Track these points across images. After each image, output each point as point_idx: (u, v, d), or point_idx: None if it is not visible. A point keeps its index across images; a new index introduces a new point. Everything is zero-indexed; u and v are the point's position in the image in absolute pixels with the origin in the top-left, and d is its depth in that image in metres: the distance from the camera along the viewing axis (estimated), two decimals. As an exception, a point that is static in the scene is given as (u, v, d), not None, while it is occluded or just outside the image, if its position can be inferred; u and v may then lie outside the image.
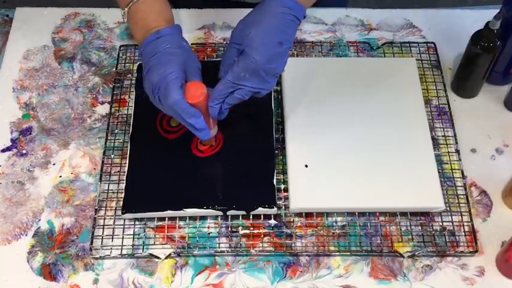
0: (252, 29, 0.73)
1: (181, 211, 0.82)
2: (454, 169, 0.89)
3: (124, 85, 0.97)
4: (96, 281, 0.81)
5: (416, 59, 0.98)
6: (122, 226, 0.84)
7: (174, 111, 0.75)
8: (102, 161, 0.89)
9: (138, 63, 0.97)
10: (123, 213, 0.83)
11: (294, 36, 0.76)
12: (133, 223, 0.85)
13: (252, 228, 0.84)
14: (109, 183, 0.87)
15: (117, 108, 0.95)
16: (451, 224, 0.84)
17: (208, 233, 0.84)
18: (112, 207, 0.86)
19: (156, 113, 0.89)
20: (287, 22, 0.74)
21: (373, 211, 0.85)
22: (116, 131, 0.92)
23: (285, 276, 0.81)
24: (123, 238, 0.83)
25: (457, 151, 0.90)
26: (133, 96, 0.94)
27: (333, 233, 0.84)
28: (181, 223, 0.84)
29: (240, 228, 0.84)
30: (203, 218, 0.85)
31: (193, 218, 0.85)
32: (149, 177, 0.85)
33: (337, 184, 0.84)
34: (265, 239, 0.83)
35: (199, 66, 0.79)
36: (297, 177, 0.85)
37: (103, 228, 0.84)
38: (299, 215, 0.85)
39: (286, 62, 0.76)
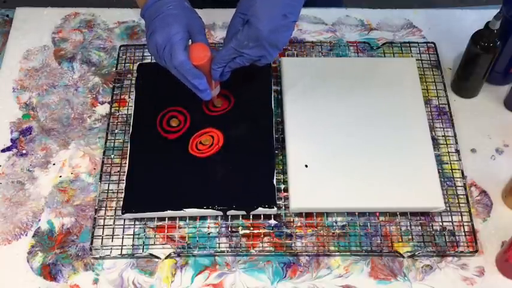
0: (258, 0, 0.74)
1: (181, 211, 0.82)
2: (454, 169, 0.89)
3: (124, 85, 0.97)
4: (96, 281, 0.81)
5: (416, 59, 0.98)
6: (122, 226, 0.84)
7: (178, 72, 0.78)
8: (102, 161, 0.89)
9: (138, 63, 0.97)
10: (123, 213, 0.82)
11: (299, 10, 0.76)
12: (133, 223, 0.85)
13: (252, 228, 0.84)
14: (109, 183, 0.87)
15: (117, 108, 0.95)
16: (451, 224, 0.84)
17: (208, 233, 0.84)
18: (112, 207, 0.86)
19: (156, 113, 0.89)
20: None
21: (373, 211, 0.85)
22: (116, 131, 0.92)
23: (285, 276, 0.81)
24: (123, 238, 0.83)
25: (457, 151, 0.90)
26: (133, 96, 0.93)
27: (333, 233, 0.84)
28: (181, 223, 0.84)
29: (240, 228, 0.84)
30: (203, 218, 0.85)
31: (193, 218, 0.85)
32: (149, 177, 0.85)
33: (337, 184, 0.84)
34: (265, 239, 0.83)
35: (203, 26, 0.80)
36: (297, 177, 0.85)
37: (103, 228, 0.84)
38: (299, 215, 0.85)
39: (290, 35, 0.77)
